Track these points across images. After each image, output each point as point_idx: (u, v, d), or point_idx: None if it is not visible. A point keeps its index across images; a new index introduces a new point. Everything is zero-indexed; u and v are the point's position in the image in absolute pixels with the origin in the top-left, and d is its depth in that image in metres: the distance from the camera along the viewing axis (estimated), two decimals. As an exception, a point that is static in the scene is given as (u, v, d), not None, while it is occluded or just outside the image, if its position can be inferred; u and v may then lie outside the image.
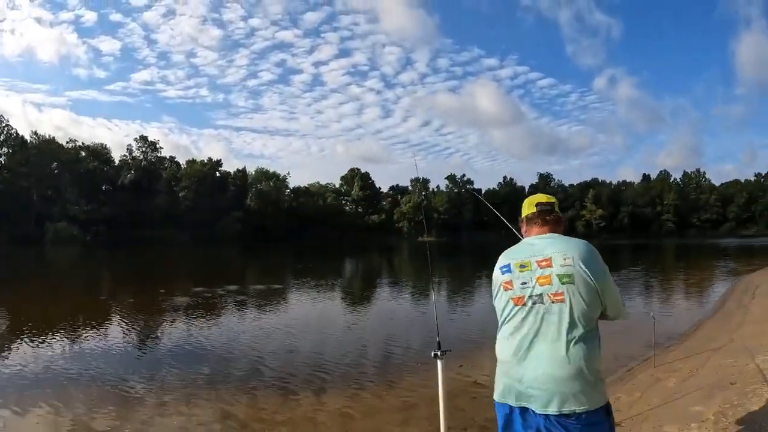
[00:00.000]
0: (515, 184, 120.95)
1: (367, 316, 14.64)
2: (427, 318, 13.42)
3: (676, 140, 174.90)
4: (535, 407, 2.36)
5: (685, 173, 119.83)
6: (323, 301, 17.50)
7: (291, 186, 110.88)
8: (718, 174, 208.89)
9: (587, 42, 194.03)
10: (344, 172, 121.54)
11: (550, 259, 2.44)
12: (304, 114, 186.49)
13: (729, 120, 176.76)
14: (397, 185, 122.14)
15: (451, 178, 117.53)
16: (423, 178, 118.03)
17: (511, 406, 2.46)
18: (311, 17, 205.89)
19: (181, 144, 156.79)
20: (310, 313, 14.92)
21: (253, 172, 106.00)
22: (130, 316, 13.59)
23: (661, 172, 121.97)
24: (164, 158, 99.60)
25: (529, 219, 2.71)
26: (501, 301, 2.58)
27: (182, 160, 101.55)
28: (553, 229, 2.64)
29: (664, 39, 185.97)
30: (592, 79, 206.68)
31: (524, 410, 2.41)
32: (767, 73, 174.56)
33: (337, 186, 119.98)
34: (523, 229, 2.76)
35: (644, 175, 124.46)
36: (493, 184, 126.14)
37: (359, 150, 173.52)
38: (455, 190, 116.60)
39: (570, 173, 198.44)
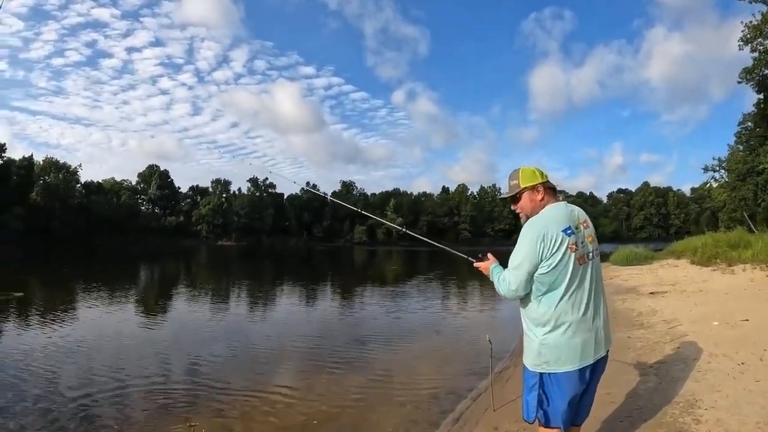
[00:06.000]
0: (318, 190, 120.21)
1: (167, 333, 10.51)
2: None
3: (472, 156, 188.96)
4: (603, 351, 2.93)
5: (481, 187, 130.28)
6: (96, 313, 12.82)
7: (83, 180, 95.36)
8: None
9: (390, 54, 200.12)
10: (141, 169, 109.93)
11: (587, 220, 3.03)
12: (109, 103, 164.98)
13: (522, 142, 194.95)
14: (197, 186, 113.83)
15: (253, 181, 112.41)
16: (224, 179, 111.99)
17: (586, 366, 2.84)
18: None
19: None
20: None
21: (41, 162, 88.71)
22: None
23: (459, 185, 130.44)
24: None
25: (548, 188, 3.02)
26: (565, 262, 2.80)
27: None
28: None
29: (465, 58, 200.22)
30: (392, 91, 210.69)
31: (597, 361, 2.90)
32: (558, 103, 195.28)
33: (134, 183, 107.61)
34: (540, 196, 2.99)
35: (443, 187, 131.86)
36: (296, 189, 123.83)
37: (158, 146, 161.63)
38: (257, 194, 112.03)
39: (371, 183, 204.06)
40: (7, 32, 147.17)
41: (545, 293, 2.86)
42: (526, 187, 3.03)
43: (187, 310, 14.83)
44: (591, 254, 2.93)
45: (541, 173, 3.04)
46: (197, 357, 8.53)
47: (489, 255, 3.31)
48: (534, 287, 2.89)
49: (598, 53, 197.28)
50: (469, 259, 3.44)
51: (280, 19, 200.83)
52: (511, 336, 9.43)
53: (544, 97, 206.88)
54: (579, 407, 3.03)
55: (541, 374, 2.93)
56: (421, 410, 5.78)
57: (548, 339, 2.85)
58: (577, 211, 3.02)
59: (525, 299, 2.97)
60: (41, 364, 7.83)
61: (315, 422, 5.46)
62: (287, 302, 17.05)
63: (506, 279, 2.97)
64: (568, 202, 3.04)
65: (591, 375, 2.91)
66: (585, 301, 2.85)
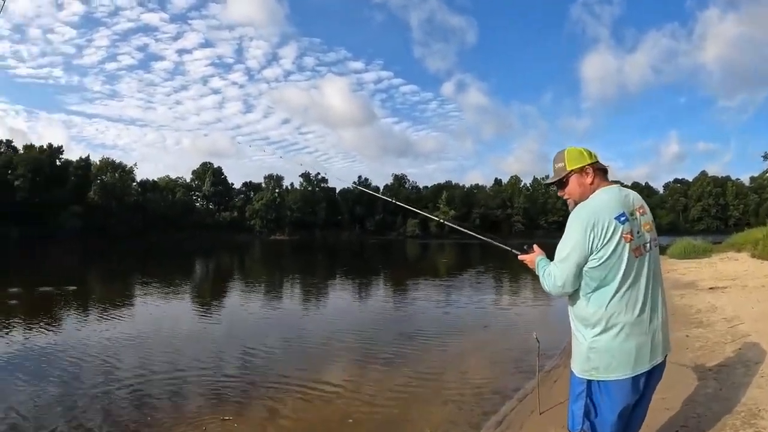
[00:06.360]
0: (370, 184, 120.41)
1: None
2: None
3: (525, 147, 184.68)
4: (660, 357, 2.53)
5: (534, 179, 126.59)
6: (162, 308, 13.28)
7: (138, 179, 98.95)
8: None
9: (437, 45, 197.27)
10: (195, 166, 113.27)
11: (643, 206, 2.65)
12: (163, 104, 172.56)
13: (575, 130, 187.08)
14: (251, 182, 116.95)
15: (305, 176, 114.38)
16: (277, 175, 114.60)
17: (640, 374, 2.48)
18: (180, 1, 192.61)
19: (16, 128, 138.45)
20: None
21: (98, 162, 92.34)
22: None
23: (511, 177, 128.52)
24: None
25: (598, 169, 2.68)
26: (618, 254, 2.44)
27: (19, 146, 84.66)
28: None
29: (514, 47, 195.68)
30: (441, 83, 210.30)
31: (654, 368, 2.52)
32: (611, 91, 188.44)
33: (188, 181, 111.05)
34: (589, 179, 2.65)
35: (496, 179, 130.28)
36: (348, 184, 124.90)
37: (211, 144, 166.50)
38: (309, 189, 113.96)
39: (423, 176, 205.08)
40: (60, 40, 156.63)
41: (595, 290, 2.52)
42: (573, 170, 2.69)
43: (239, 303, 15.22)
44: (648, 245, 2.55)
45: (590, 153, 2.70)
46: (243, 350, 8.70)
47: (534, 246, 2.95)
48: (583, 283, 2.55)
49: (651, 38, 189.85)
50: (513, 251, 3.11)
51: (326, 15, 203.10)
52: (562, 333, 9.03)
53: (597, 85, 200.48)
54: (630, 419, 2.68)
55: (589, 381, 2.60)
56: (463, 411, 5.63)
57: (598, 342, 2.51)
58: (632, 195, 2.66)
59: (573, 297, 2.63)
60: (95, 354, 8.17)
61: (350, 421, 5.41)
62: (338, 296, 17.31)
63: (552, 273, 2.61)
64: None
65: (646, 383, 2.56)
66: (641, 299, 2.48)
